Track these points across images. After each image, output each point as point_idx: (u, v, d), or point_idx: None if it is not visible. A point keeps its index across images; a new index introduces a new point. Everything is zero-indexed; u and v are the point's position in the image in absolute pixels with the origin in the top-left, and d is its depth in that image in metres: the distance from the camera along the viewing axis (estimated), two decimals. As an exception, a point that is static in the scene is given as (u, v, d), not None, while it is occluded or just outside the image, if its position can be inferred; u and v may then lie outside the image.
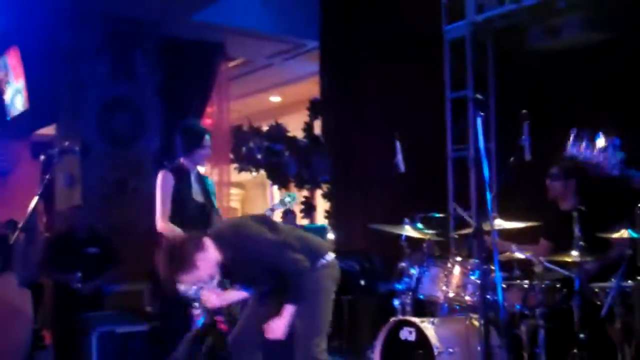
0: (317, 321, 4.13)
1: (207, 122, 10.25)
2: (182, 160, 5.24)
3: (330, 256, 4.24)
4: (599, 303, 4.32)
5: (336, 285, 4.24)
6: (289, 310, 4.00)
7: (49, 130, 10.05)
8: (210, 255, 3.93)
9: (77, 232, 7.17)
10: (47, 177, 4.57)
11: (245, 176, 11.90)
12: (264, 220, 4.23)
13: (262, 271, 4.04)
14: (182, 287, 4.17)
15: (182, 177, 5.13)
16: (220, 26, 9.36)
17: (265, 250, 3.98)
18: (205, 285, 4.15)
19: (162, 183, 5.06)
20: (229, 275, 4.15)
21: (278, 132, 11.22)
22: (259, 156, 11.15)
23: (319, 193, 10.95)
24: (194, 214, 5.12)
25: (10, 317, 2.46)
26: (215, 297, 4.23)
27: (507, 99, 6.57)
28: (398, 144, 6.05)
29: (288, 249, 3.99)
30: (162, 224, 4.97)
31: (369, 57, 8.23)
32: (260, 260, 3.99)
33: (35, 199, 4.55)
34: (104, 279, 6.95)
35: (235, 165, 11.28)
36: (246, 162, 11.37)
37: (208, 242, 3.95)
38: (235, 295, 4.30)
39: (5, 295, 2.48)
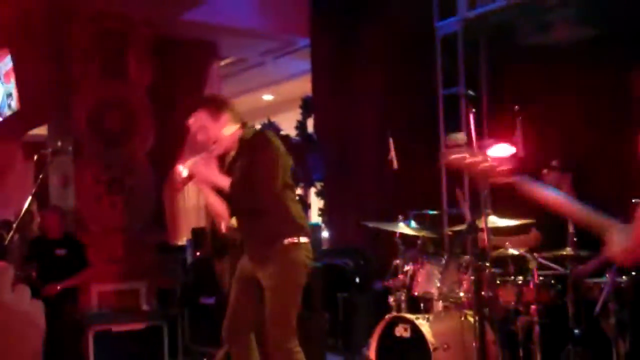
0: (288, 311, 4.07)
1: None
2: None
3: (304, 239, 4.17)
4: (593, 299, 4.33)
5: (307, 271, 4.18)
6: (221, 179, 4.08)
7: (41, 131, 10.01)
8: (233, 129, 4.15)
9: (50, 233, 7.15)
10: (41, 177, 4.57)
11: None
12: (287, 166, 4.24)
13: (245, 173, 4.07)
14: None
15: None
16: (211, 25, 9.36)
17: (261, 168, 4.04)
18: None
19: None
20: (223, 161, 4.22)
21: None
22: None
23: (312, 191, 10.94)
24: None
25: (25, 328, 2.46)
26: (204, 168, 4.18)
27: (500, 95, 6.57)
28: (391, 141, 6.05)
29: (272, 187, 4.05)
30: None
31: (361, 54, 8.22)
32: (249, 171, 4.03)
33: (29, 200, 4.55)
34: (65, 282, 6.83)
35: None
36: (239, 161, 11.33)
37: (241, 127, 4.19)
38: (223, 180, 4.15)
39: (20, 306, 2.48)
